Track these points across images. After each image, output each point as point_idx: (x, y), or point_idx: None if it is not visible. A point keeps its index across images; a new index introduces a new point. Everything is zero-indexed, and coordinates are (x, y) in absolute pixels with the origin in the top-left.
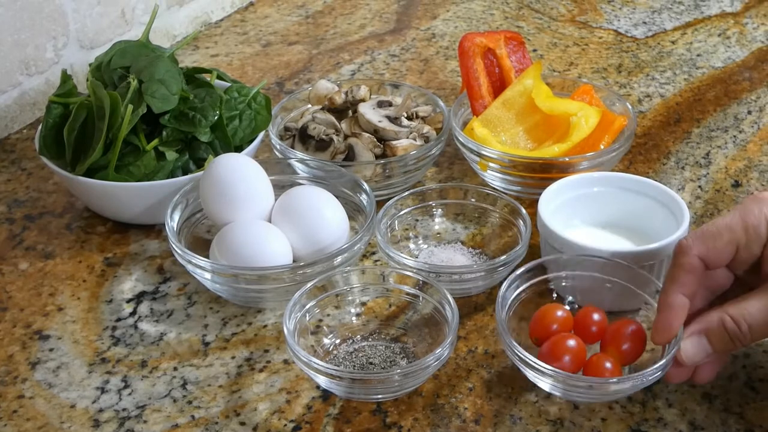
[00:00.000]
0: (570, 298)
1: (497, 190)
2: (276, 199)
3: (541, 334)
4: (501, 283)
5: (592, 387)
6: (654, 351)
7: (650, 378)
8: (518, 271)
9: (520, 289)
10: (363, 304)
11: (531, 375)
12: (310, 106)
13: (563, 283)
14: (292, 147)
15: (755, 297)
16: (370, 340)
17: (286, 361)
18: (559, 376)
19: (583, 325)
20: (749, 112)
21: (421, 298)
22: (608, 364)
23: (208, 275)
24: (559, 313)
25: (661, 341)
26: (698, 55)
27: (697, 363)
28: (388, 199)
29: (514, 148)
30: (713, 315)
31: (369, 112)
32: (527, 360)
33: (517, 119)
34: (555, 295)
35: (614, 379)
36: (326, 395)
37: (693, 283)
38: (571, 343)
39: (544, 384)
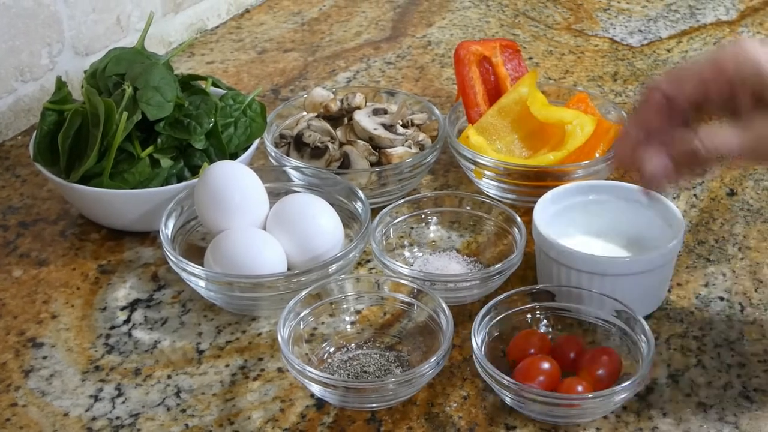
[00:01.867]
0: (544, 321)
1: (492, 198)
2: (271, 207)
3: (518, 356)
4: (494, 293)
5: (557, 404)
6: (629, 376)
7: (619, 398)
8: (499, 297)
9: (501, 316)
10: (358, 312)
11: (506, 398)
12: (305, 113)
13: (537, 314)
14: (287, 154)
15: (726, 126)
16: (364, 348)
17: (280, 370)
18: (528, 392)
19: (560, 351)
20: None
21: (415, 307)
22: (580, 387)
23: (202, 283)
24: (537, 338)
25: (615, 164)
26: None
27: (654, 173)
28: (383, 207)
29: (510, 156)
30: (680, 131)
31: (364, 119)
32: (498, 378)
33: (513, 127)
34: (529, 318)
35: (582, 396)
36: (320, 404)
37: (652, 118)
38: (546, 365)
39: (513, 402)
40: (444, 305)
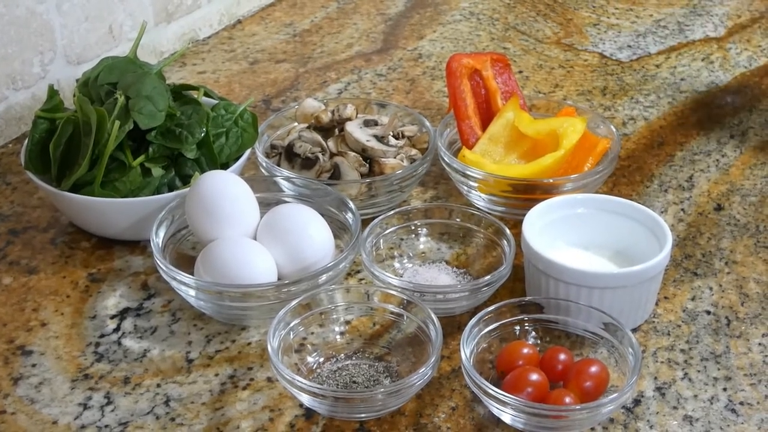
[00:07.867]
0: (533, 333)
1: (482, 210)
2: (261, 217)
3: (506, 368)
4: (483, 305)
5: (546, 415)
6: (616, 388)
7: (606, 410)
8: (488, 309)
9: (490, 327)
10: (347, 322)
11: (495, 409)
12: (296, 124)
13: (526, 326)
14: (278, 165)
15: None
16: (353, 358)
17: (269, 379)
18: (516, 403)
19: (549, 363)
20: (732, 136)
21: (405, 317)
22: (568, 399)
23: (192, 292)
24: (525, 350)
25: None
26: (682, 79)
27: None
28: (374, 218)
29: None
30: None
31: (357, 131)
32: (486, 389)
33: (507, 151)
34: (518, 330)
35: (570, 407)
36: (309, 413)
37: None
38: (534, 376)
39: (506, 416)
40: (433, 316)
